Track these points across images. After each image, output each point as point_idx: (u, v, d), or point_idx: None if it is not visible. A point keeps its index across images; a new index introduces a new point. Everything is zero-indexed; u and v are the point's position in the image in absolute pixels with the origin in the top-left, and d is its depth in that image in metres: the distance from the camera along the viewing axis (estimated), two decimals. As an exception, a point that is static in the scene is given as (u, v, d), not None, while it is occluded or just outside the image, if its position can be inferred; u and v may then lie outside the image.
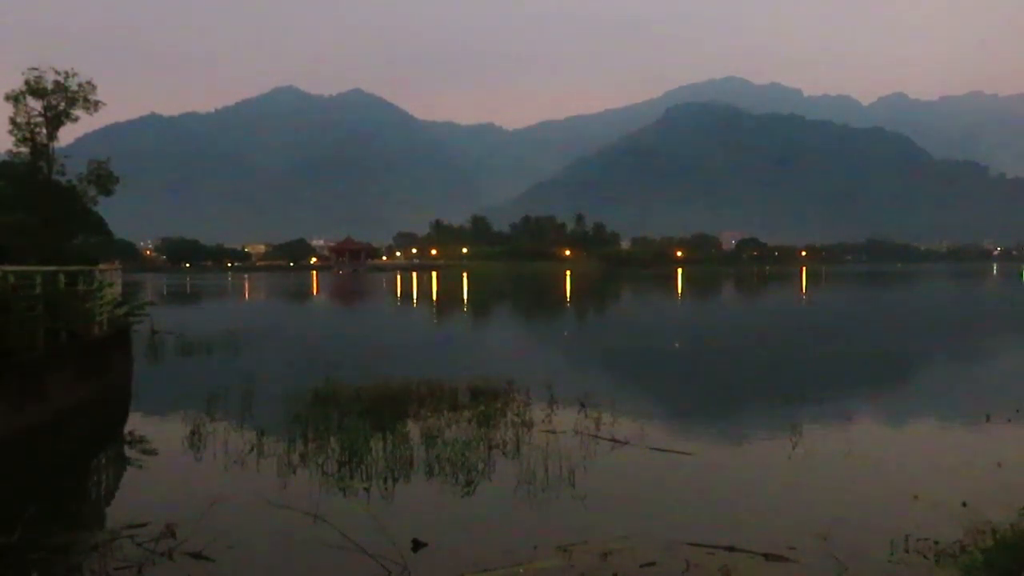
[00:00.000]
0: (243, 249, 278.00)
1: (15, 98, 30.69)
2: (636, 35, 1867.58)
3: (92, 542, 7.69)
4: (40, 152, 31.35)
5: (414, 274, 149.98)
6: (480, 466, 10.15)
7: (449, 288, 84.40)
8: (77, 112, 31.26)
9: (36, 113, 30.88)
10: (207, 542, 7.31)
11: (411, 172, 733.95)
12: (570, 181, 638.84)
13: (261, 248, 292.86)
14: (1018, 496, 8.45)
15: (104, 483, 11.15)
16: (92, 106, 31.44)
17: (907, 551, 7.12)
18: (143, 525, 7.80)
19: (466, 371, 16.94)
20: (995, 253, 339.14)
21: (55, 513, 8.66)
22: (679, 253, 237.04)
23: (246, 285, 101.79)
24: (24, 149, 31.24)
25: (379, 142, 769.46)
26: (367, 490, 9.29)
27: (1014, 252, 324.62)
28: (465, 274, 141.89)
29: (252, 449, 11.15)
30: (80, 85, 31.16)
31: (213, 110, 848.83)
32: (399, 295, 72.58)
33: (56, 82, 30.74)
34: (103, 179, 32.53)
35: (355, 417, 12.55)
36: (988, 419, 13.00)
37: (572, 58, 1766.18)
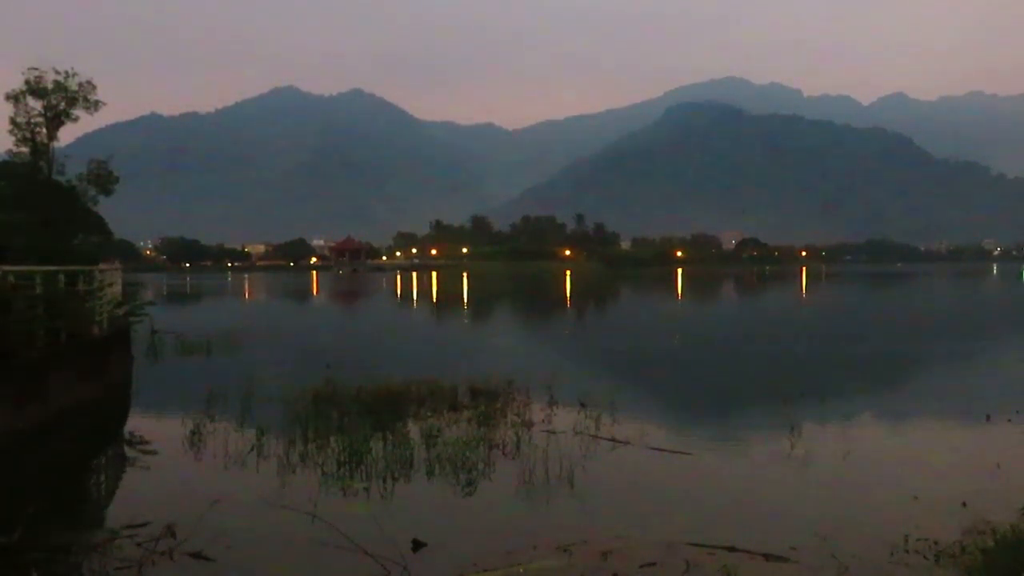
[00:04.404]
0: (243, 249, 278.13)
1: (15, 98, 30.61)
2: (636, 35, 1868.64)
3: (92, 542, 7.69)
4: (40, 152, 31.27)
5: (414, 274, 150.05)
6: (480, 466, 10.15)
7: (449, 288, 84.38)
8: (77, 112, 31.18)
9: (36, 113, 30.79)
10: (207, 542, 7.31)
11: (411, 172, 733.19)
12: (570, 181, 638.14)
13: (261, 248, 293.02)
14: (1018, 496, 8.45)
15: (104, 483, 11.15)
16: (92, 106, 31.37)
17: (907, 551, 7.12)
18: (143, 525, 7.80)
19: (466, 371, 16.92)
20: (995, 253, 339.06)
21: (55, 513, 8.66)
22: (679, 253, 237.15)
23: (246, 285, 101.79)
24: (24, 149, 31.14)
25: (379, 142, 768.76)
26: (367, 490, 9.28)
27: (1014, 252, 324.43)
28: (465, 274, 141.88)
29: (252, 449, 11.14)
30: (80, 85, 31.06)
31: (213, 110, 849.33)
32: (399, 295, 72.59)
33: (56, 82, 30.67)
34: (103, 179, 32.45)
35: (355, 417, 12.55)
36: (988, 419, 13.00)
37: (572, 58, 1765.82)
